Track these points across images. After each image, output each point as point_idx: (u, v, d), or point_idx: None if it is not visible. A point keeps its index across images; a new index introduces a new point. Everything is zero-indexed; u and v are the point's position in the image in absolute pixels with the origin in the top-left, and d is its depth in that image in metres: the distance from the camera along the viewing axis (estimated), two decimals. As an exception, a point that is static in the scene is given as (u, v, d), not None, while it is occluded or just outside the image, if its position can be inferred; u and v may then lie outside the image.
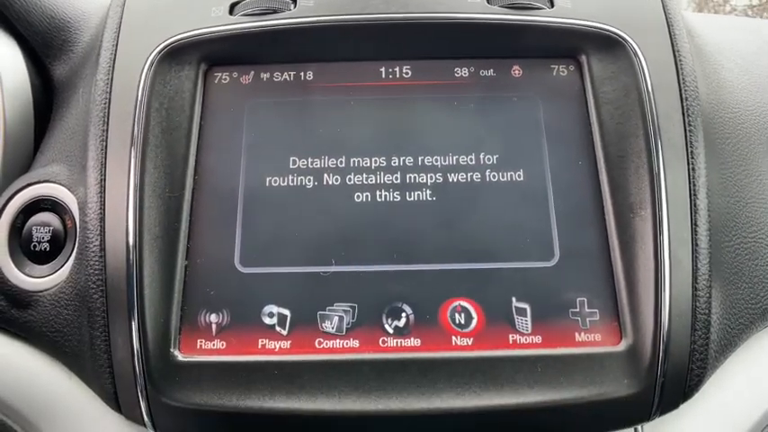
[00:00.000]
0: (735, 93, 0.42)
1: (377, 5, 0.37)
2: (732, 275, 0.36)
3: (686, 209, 0.33)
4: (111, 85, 0.36)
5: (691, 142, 0.35)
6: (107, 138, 0.35)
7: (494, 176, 0.35)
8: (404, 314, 0.33)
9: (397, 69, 0.37)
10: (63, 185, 0.36)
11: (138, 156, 0.34)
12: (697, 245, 0.33)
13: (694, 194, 0.34)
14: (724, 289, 0.35)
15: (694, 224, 0.33)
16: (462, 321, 0.33)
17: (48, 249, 0.35)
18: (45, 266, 0.35)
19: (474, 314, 0.33)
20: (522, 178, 0.35)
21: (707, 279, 0.33)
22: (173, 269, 0.33)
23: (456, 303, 0.33)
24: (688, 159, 0.34)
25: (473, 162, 0.36)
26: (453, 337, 0.33)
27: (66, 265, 0.35)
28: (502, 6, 0.37)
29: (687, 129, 0.35)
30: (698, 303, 0.32)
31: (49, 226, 0.36)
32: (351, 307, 0.33)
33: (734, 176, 0.38)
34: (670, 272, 0.32)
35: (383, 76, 0.37)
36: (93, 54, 0.40)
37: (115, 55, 0.37)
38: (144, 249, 0.32)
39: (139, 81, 0.36)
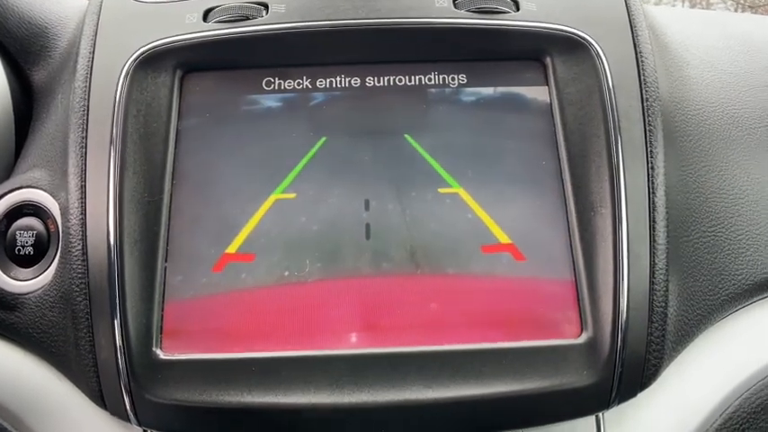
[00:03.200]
0: (698, 89, 0.43)
1: (347, 11, 0.38)
2: (690, 268, 0.38)
3: (645, 206, 0.35)
4: (89, 92, 0.37)
5: (650, 142, 0.36)
6: (86, 144, 0.36)
7: None
8: None
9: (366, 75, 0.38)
10: (45, 191, 0.38)
11: (117, 162, 0.35)
12: (655, 241, 0.35)
13: (653, 192, 0.35)
14: (682, 282, 0.37)
15: (652, 221, 0.35)
16: None
17: (32, 253, 0.37)
18: (29, 270, 0.37)
19: (443, 310, 0.35)
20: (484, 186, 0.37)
21: (664, 273, 0.34)
22: (153, 271, 0.34)
23: None
24: (647, 158, 0.36)
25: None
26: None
27: (50, 268, 0.36)
28: (468, 11, 0.38)
29: (647, 129, 0.36)
30: (655, 297, 0.34)
31: (33, 230, 0.37)
32: None
33: (694, 172, 0.40)
34: (628, 267, 0.34)
35: (367, 82, 0.38)
36: (70, 60, 0.41)
37: (92, 62, 0.38)
38: (125, 252, 0.33)
39: (117, 88, 0.37)
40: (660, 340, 0.34)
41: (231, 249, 0.35)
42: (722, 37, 0.50)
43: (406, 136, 0.37)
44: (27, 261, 0.36)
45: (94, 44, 0.39)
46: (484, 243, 0.35)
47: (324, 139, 0.37)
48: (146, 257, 0.34)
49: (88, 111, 0.37)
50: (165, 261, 0.35)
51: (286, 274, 0.35)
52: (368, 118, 0.38)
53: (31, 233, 0.37)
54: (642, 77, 0.38)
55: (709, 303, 0.38)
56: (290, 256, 0.35)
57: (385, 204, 0.36)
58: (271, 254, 0.35)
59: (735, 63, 0.47)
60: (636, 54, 0.38)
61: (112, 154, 0.35)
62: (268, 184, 0.36)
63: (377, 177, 0.36)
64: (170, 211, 0.36)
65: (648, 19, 0.43)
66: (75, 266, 0.34)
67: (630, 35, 0.39)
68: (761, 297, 0.40)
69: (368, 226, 0.35)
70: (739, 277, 0.39)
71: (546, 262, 0.35)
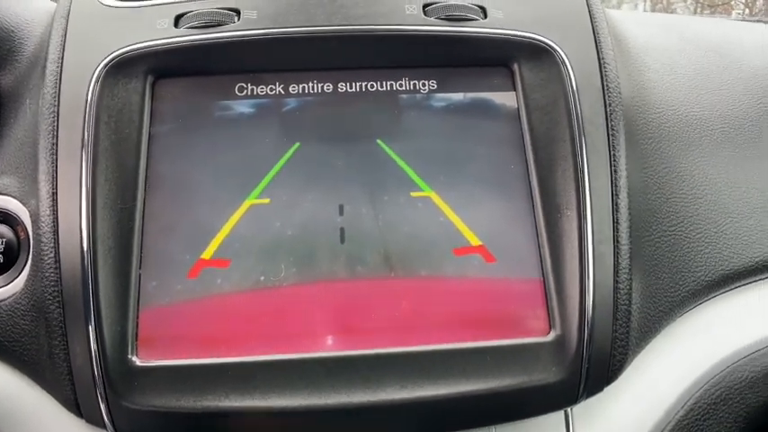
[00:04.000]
0: (658, 93, 0.45)
1: (319, 17, 0.38)
2: (653, 267, 0.39)
3: (608, 208, 0.36)
4: (58, 98, 0.37)
5: (613, 146, 0.38)
6: (57, 150, 0.36)
7: None
8: None
9: (337, 81, 0.39)
10: (14, 197, 0.37)
11: (89, 168, 0.35)
12: (618, 241, 0.36)
13: (616, 195, 0.37)
14: (645, 280, 0.38)
15: (616, 222, 0.36)
16: None
17: (1, 261, 0.36)
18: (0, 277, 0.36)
19: (417, 311, 0.36)
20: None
21: (627, 273, 0.36)
22: (128, 277, 0.34)
23: None
24: (610, 162, 0.37)
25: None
26: None
27: (20, 276, 0.36)
28: (438, 18, 0.39)
29: (609, 133, 0.38)
30: (619, 295, 0.35)
31: (2, 237, 0.36)
32: None
33: (655, 174, 0.41)
34: (593, 267, 0.35)
35: (336, 87, 0.39)
36: (38, 64, 0.40)
37: (62, 66, 0.38)
38: (98, 260, 0.33)
39: (87, 94, 0.36)
40: (624, 336, 0.36)
41: (206, 255, 0.35)
42: (681, 40, 0.52)
43: (378, 141, 0.38)
44: None
45: (63, 48, 0.38)
46: (455, 246, 0.36)
47: (297, 144, 0.38)
48: (120, 264, 0.34)
49: (58, 116, 0.36)
50: (140, 268, 0.35)
51: (262, 278, 0.35)
52: (340, 123, 0.38)
53: (0, 240, 0.36)
54: (605, 83, 0.39)
55: (671, 300, 0.40)
56: (265, 261, 0.35)
57: (359, 208, 0.36)
58: (246, 259, 0.35)
59: (693, 66, 0.49)
60: (599, 60, 0.40)
61: (84, 160, 0.35)
62: (242, 189, 0.37)
63: (350, 182, 0.37)
64: (143, 218, 0.36)
65: (611, 25, 0.44)
66: (47, 274, 0.34)
67: (594, 41, 0.40)
68: (719, 292, 0.42)
69: (342, 230, 0.36)
70: (699, 274, 0.41)
71: (515, 263, 0.36)
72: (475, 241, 0.36)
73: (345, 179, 0.37)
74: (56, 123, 0.36)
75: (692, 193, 0.42)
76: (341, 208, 0.36)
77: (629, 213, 0.37)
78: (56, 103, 0.36)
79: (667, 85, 0.46)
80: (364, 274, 0.35)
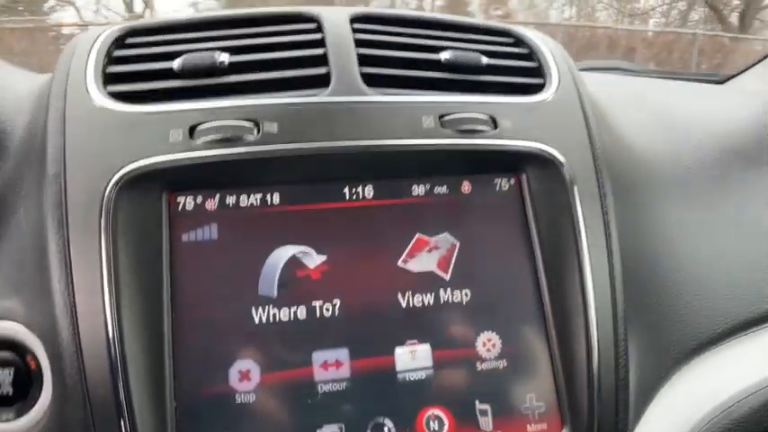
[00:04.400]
0: (641, 172, 0.49)
1: (340, 132, 0.38)
2: (646, 351, 0.43)
3: (610, 318, 0.39)
4: (66, 217, 0.35)
5: (609, 245, 0.41)
6: (71, 272, 0.34)
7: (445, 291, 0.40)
8: (386, 428, 0.36)
9: (360, 190, 0.39)
10: (20, 323, 0.35)
11: (114, 303, 0.33)
12: (617, 347, 0.39)
13: (614, 305, 0.40)
14: (641, 379, 0.42)
15: (616, 332, 0.39)
16: (436, 428, 0.37)
17: (9, 394, 0.34)
18: (11, 409, 0.34)
19: (446, 420, 0.37)
20: (468, 295, 0.40)
21: (624, 372, 0.40)
22: (163, 414, 0.33)
23: (430, 412, 0.37)
24: (609, 260, 0.40)
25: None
26: None
27: (35, 409, 0.34)
28: (453, 130, 0.40)
29: (607, 233, 0.41)
30: (619, 386, 0.39)
31: (9, 366, 0.34)
32: (339, 428, 0.36)
33: (648, 260, 0.45)
34: (599, 370, 0.38)
35: (347, 197, 0.39)
36: (29, 168, 0.38)
37: (65, 181, 0.35)
38: (133, 400, 0.32)
39: (100, 212, 0.34)
40: (624, 424, 0.39)
41: (236, 374, 0.35)
42: (652, 114, 0.57)
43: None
44: (6, 400, 0.34)
45: (64, 159, 0.36)
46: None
47: (324, 257, 0.38)
48: (155, 400, 0.33)
49: (69, 244, 0.34)
50: (174, 400, 0.34)
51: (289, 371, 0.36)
52: (358, 233, 0.39)
53: (8, 371, 0.34)
54: (601, 188, 0.42)
55: (658, 381, 0.44)
56: (292, 353, 0.36)
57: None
58: (272, 355, 0.36)
59: (663, 140, 0.54)
60: (595, 167, 0.43)
61: (107, 296, 0.33)
62: (267, 298, 0.37)
63: (370, 288, 0.39)
64: (173, 346, 0.35)
65: (597, 113, 0.47)
66: (73, 405, 0.32)
67: (590, 149, 0.43)
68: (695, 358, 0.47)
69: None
70: (679, 346, 0.45)
71: (529, 364, 0.39)
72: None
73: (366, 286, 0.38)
74: (67, 248, 0.34)
75: (684, 269, 0.47)
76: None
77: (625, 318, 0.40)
78: (64, 229, 0.34)
79: (653, 158, 0.51)
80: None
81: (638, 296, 0.43)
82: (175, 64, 0.41)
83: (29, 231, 0.37)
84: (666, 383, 0.44)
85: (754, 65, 1.19)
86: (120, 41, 0.44)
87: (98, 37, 0.43)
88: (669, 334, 0.45)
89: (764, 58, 1.17)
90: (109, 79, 0.40)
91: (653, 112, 0.59)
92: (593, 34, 8.69)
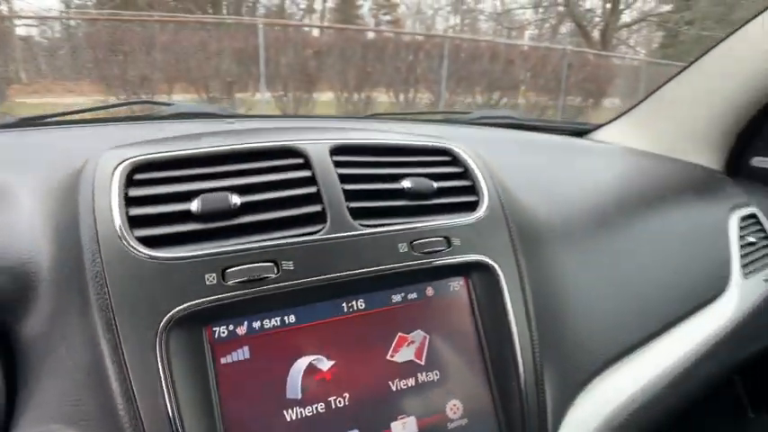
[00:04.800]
0: (539, 226, 0.68)
1: (344, 264, 0.50)
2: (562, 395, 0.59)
3: (531, 365, 0.55)
4: (126, 365, 0.41)
5: (529, 318, 0.56)
6: (141, 417, 0.41)
7: (422, 374, 0.53)
8: None
9: (354, 303, 0.51)
10: None
11: (178, 419, 0.41)
12: (538, 386, 0.55)
13: (534, 356, 0.55)
14: (557, 392, 0.58)
15: (537, 377, 0.55)
16: None
17: None
18: None
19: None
20: (438, 374, 0.53)
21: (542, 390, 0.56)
22: None
23: None
24: (530, 336, 0.56)
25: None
26: None
27: None
28: (420, 252, 0.54)
29: (528, 320, 0.56)
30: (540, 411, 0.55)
31: None
32: None
33: (551, 329, 0.62)
34: (526, 397, 0.54)
35: (345, 310, 0.51)
36: (68, 310, 0.44)
37: (118, 334, 0.42)
38: None
39: (157, 359, 0.42)
40: None
41: None
42: (538, 177, 0.78)
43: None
44: None
45: (113, 309, 0.42)
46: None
47: (334, 362, 0.50)
48: None
49: (130, 379, 0.41)
50: None
51: None
52: (355, 338, 0.51)
53: None
54: (521, 273, 0.58)
55: (570, 397, 0.61)
56: None
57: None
58: None
59: (560, 203, 0.75)
60: (516, 260, 0.59)
61: (170, 410, 0.41)
62: (289, 394, 0.47)
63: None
64: None
65: (506, 195, 0.64)
66: None
67: (512, 248, 0.59)
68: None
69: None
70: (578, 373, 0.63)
71: (480, 414, 0.54)
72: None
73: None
74: (128, 380, 0.41)
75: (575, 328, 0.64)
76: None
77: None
78: (124, 363, 0.41)
79: (538, 220, 0.69)
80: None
81: (549, 333, 0.59)
82: (194, 206, 0.48)
83: (72, 368, 0.43)
84: (579, 395, 0.61)
85: (615, 119, 1.45)
86: (129, 178, 0.50)
87: (113, 173, 0.49)
88: (575, 358, 0.62)
89: (623, 113, 1.43)
90: (133, 222, 0.47)
91: (540, 176, 0.79)
92: (476, 46, 9.32)
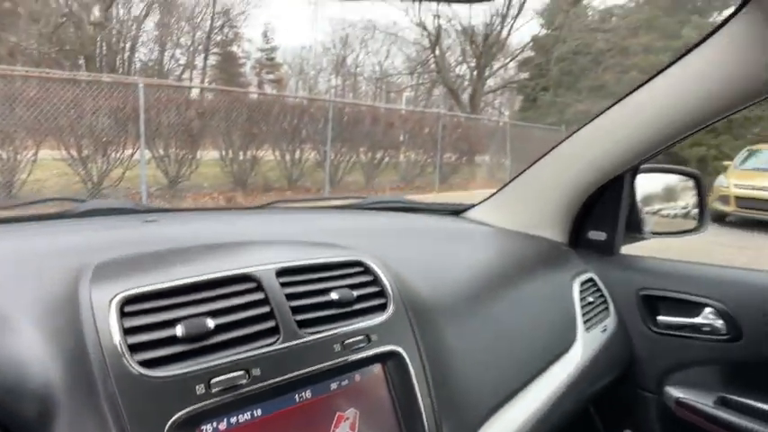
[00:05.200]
0: (428, 303, 0.88)
1: (293, 366, 0.66)
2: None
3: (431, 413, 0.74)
4: None
5: (432, 399, 0.76)
6: None
7: None
8: None
9: (304, 394, 0.67)
10: None
11: None
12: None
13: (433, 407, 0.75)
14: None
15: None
16: None
17: None
18: None
19: None
20: None
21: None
22: None
23: None
24: (433, 411, 0.76)
25: None
26: None
27: None
28: (350, 350, 0.71)
29: (425, 375, 0.76)
30: None
31: None
32: None
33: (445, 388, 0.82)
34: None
35: (297, 400, 0.67)
36: (87, 429, 0.53)
37: None
38: None
39: None
40: None
41: None
42: (422, 259, 1.01)
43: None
44: None
45: (126, 420, 0.53)
46: None
47: None
48: None
49: None
50: None
51: None
52: (307, 422, 0.67)
53: None
54: (420, 354, 0.78)
55: None
56: None
57: None
58: None
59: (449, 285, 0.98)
60: (416, 344, 0.79)
61: None
62: None
63: None
64: None
65: (402, 286, 0.84)
66: None
67: (413, 337, 0.79)
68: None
69: None
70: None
71: None
72: None
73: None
74: None
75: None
76: None
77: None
78: None
79: (426, 298, 0.90)
80: None
81: (444, 392, 0.78)
82: (178, 332, 0.61)
83: None
84: None
85: (485, 200, 1.75)
86: (122, 310, 0.62)
87: (110, 309, 0.60)
88: (466, 407, 0.82)
89: (491, 196, 1.74)
90: (132, 348, 0.59)
91: (427, 261, 1.02)
92: (359, 110, 9.90)
